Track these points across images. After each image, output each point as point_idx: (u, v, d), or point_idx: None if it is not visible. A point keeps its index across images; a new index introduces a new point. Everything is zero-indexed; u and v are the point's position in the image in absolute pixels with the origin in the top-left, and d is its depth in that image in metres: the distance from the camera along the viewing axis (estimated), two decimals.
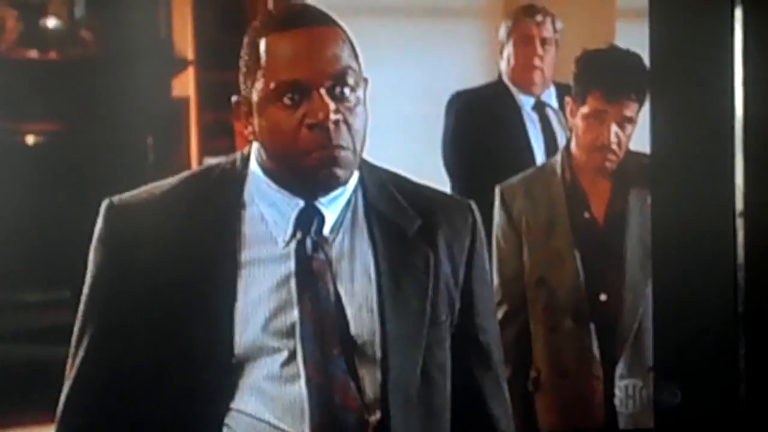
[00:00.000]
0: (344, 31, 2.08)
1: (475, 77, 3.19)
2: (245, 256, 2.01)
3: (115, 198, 2.09)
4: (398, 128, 2.91)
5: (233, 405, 2.03)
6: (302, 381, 1.98)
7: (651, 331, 2.86)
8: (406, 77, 2.99)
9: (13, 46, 2.72)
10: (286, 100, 1.97)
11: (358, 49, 2.07)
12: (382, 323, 2.04)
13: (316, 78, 1.98)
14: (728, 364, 2.87)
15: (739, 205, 2.88)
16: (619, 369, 2.88)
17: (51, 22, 2.76)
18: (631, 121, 2.87)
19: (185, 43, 2.85)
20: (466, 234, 2.16)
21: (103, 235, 2.04)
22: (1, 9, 2.71)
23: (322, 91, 1.98)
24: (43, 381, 2.47)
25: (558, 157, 2.93)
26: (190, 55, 2.86)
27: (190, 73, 2.87)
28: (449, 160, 3.25)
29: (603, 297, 2.86)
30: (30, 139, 2.77)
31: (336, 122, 1.98)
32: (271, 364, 2.00)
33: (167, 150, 2.81)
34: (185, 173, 2.14)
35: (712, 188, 2.88)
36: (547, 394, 2.86)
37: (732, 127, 2.87)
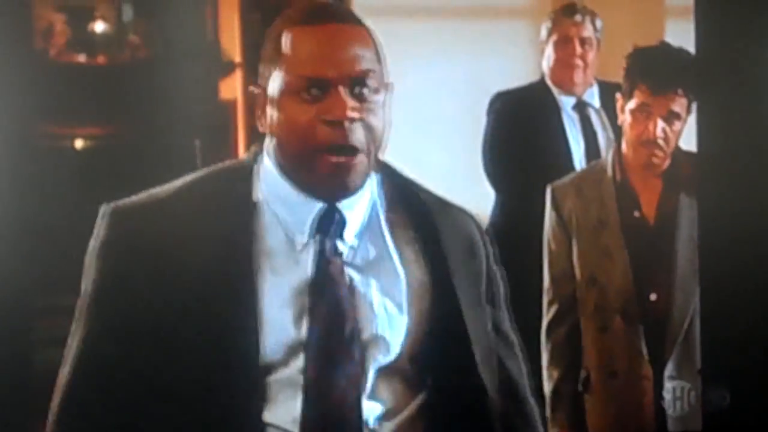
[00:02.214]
0: (370, 32, 2.05)
1: (519, 77, 3.19)
2: (263, 259, 1.98)
3: (118, 203, 2.05)
4: (440, 128, 2.91)
5: (265, 417, 2.01)
6: (301, 386, 1.97)
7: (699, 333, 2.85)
8: (449, 77, 2.99)
9: (62, 51, 2.74)
10: (305, 95, 1.94)
11: (383, 52, 2.05)
12: (433, 314, 2.03)
13: (337, 75, 1.95)
14: None
15: None
16: (668, 370, 2.85)
17: (99, 27, 2.77)
18: (678, 116, 2.85)
19: (233, 45, 2.86)
20: (478, 235, 2.15)
21: (109, 240, 1.99)
22: (50, 14, 2.72)
23: (342, 88, 1.95)
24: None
25: (609, 156, 2.92)
26: (237, 57, 2.88)
27: (238, 75, 2.88)
28: (488, 160, 3.25)
29: (653, 297, 2.84)
30: (79, 143, 2.78)
31: (352, 120, 1.95)
32: (292, 370, 1.98)
33: (215, 152, 2.82)
34: (188, 176, 2.10)
35: (759, 187, 2.87)
36: (597, 395, 2.83)
37: None
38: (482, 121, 3.16)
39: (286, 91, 1.94)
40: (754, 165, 2.78)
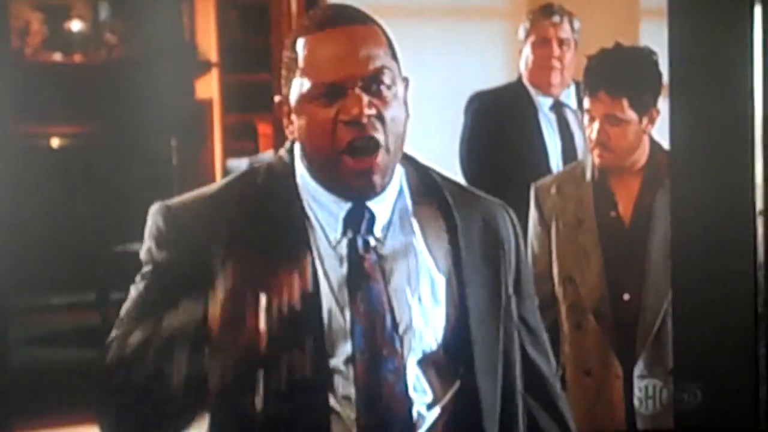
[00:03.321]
0: (382, 29, 2.08)
1: (496, 77, 3.20)
2: (314, 254, 2.03)
3: (167, 201, 2.09)
4: (418, 128, 2.91)
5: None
6: (351, 378, 2.00)
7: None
8: (426, 77, 2.99)
9: (38, 50, 2.73)
10: (324, 99, 1.99)
11: (397, 47, 2.07)
12: (463, 303, 2.05)
13: (351, 77, 1.99)
14: (748, 364, 2.87)
15: (759, 203, 2.87)
16: (639, 369, 2.88)
17: (75, 25, 2.76)
18: (618, 119, 2.88)
19: (209, 45, 2.86)
20: (509, 226, 2.18)
21: (163, 236, 2.03)
22: (26, 12, 2.72)
23: (357, 89, 1.99)
24: (71, 383, 2.49)
25: (587, 156, 2.95)
26: (213, 57, 2.87)
27: (214, 75, 2.87)
28: (464, 160, 3.26)
29: (626, 297, 2.86)
30: (55, 142, 2.77)
31: (370, 117, 1.99)
32: (342, 359, 2.02)
33: (191, 152, 2.82)
34: (229, 177, 2.14)
35: (731, 187, 2.88)
36: (571, 392, 2.86)
37: (752, 125, 2.86)
38: (460, 121, 3.16)
39: (306, 98, 2.00)
40: (727, 164, 2.80)
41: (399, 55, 2.07)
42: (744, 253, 2.88)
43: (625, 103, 2.87)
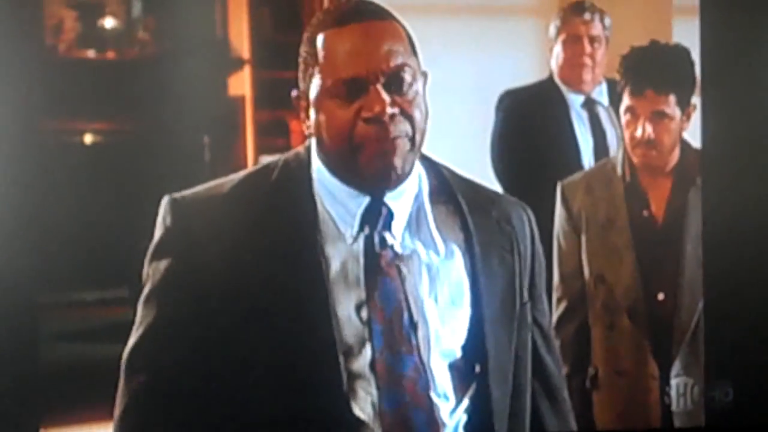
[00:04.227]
0: (402, 25, 2.07)
1: (527, 75, 3.19)
2: (327, 252, 2.02)
3: (176, 194, 2.09)
4: (449, 126, 2.91)
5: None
6: (372, 380, 1.99)
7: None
8: (458, 75, 2.99)
9: (72, 47, 2.74)
10: (344, 96, 1.98)
11: (416, 42, 2.06)
12: (477, 306, 2.05)
13: (372, 74, 1.98)
14: None
15: None
16: (675, 368, 2.87)
17: (109, 23, 2.77)
18: (666, 115, 2.87)
19: (241, 42, 2.85)
20: (527, 227, 2.17)
21: (172, 231, 2.03)
22: (60, 9, 2.72)
23: (378, 86, 1.98)
24: (102, 379, 2.48)
25: (618, 155, 2.93)
26: (246, 54, 2.87)
27: (246, 72, 2.87)
28: (496, 158, 3.25)
29: (660, 296, 2.85)
30: (88, 139, 2.78)
31: (392, 116, 1.98)
32: (361, 361, 2.00)
33: (223, 149, 2.82)
34: (244, 172, 2.14)
35: (763, 185, 2.87)
36: (604, 392, 2.85)
37: None
38: (491, 119, 3.16)
39: (325, 94, 1.98)
40: (759, 163, 2.79)
41: (418, 50, 2.07)
42: None
43: (672, 99, 2.86)
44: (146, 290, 2.06)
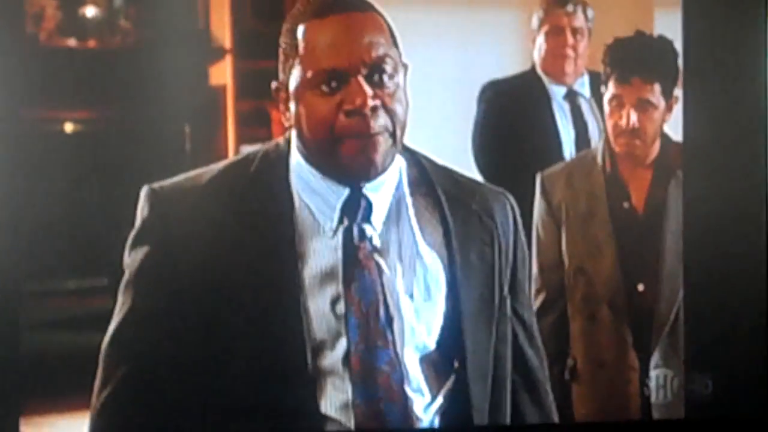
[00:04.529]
0: (383, 17, 2.07)
1: (510, 66, 3.19)
2: (301, 245, 2.01)
3: (155, 185, 2.09)
4: (431, 117, 2.91)
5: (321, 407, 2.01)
6: (346, 374, 1.99)
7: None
8: (440, 66, 2.99)
9: (53, 35, 2.73)
10: (324, 88, 1.97)
11: (397, 33, 2.06)
12: (455, 301, 2.04)
13: (354, 65, 1.97)
14: (760, 355, 2.86)
15: None
16: (655, 360, 2.88)
17: (90, 11, 2.76)
18: (651, 104, 2.88)
19: (223, 32, 2.85)
20: (510, 217, 2.17)
21: (149, 221, 2.03)
22: None
23: (360, 78, 1.98)
24: (84, 368, 2.48)
25: (599, 146, 2.94)
26: (227, 44, 2.86)
27: (228, 62, 2.86)
28: (477, 149, 3.25)
29: (641, 287, 2.86)
30: (68, 128, 2.77)
31: (374, 108, 1.97)
32: (334, 356, 2.00)
33: (204, 138, 2.81)
34: (225, 161, 2.14)
35: (744, 177, 2.88)
36: (583, 384, 2.86)
37: (765, 115, 2.86)
38: (473, 110, 3.16)
39: (306, 85, 1.98)
40: (740, 155, 2.79)
41: (400, 42, 2.06)
42: (757, 243, 2.88)
43: (657, 88, 2.87)
44: (124, 279, 2.06)
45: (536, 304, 2.85)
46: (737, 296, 2.87)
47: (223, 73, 2.85)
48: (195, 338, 1.98)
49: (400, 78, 2.03)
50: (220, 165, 2.13)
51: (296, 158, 2.06)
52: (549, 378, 2.29)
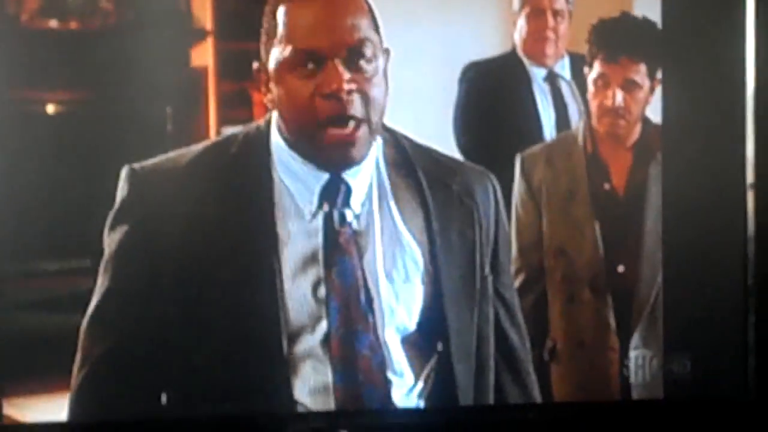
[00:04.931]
0: (365, 0, 2.07)
1: (491, 48, 3.19)
2: (281, 228, 2.01)
3: (136, 165, 2.09)
4: (413, 98, 2.91)
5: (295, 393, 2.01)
6: (327, 358, 1.99)
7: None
8: (421, 48, 2.99)
9: (34, 16, 2.72)
10: (302, 69, 1.97)
11: (379, 17, 2.05)
12: (436, 282, 2.05)
13: (332, 48, 1.97)
14: (738, 335, 2.88)
15: (750, 177, 2.88)
16: (634, 341, 2.89)
17: None
18: (637, 84, 2.89)
19: (204, 13, 2.84)
20: (491, 196, 2.18)
21: (129, 200, 2.03)
22: None
23: (337, 61, 1.98)
24: (64, 349, 2.48)
25: (580, 127, 2.95)
26: (208, 25, 2.85)
27: (209, 43, 2.86)
28: (458, 129, 3.25)
29: (621, 268, 2.87)
30: (50, 109, 2.76)
31: (350, 92, 1.97)
32: (314, 339, 2.00)
33: (186, 119, 2.80)
34: (205, 142, 2.14)
35: (722, 160, 2.89)
36: (563, 364, 2.87)
37: (743, 99, 2.87)
38: (454, 90, 3.16)
39: (285, 66, 1.98)
40: (718, 138, 2.80)
41: (381, 26, 2.06)
42: (735, 225, 2.89)
43: (643, 68, 2.88)
44: (103, 259, 2.07)
45: (515, 284, 2.85)
46: (716, 277, 2.88)
47: (204, 55, 2.85)
48: (173, 318, 1.98)
49: (379, 63, 2.03)
50: (201, 146, 2.13)
51: (276, 140, 2.06)
52: (525, 355, 2.30)
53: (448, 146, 3.16)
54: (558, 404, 2.84)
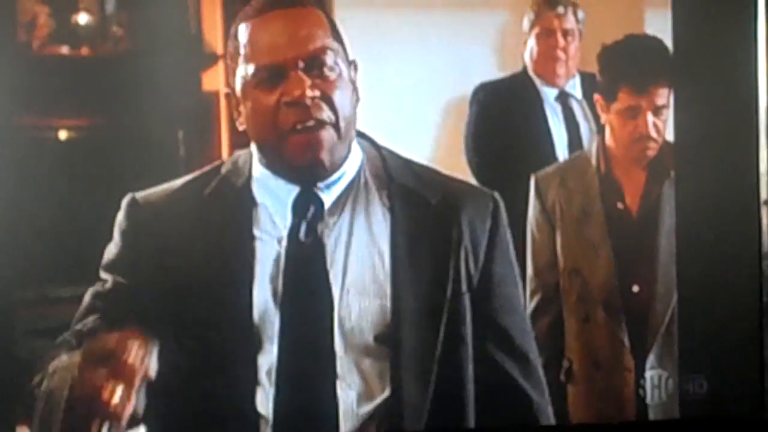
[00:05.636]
0: (323, 11, 2.09)
1: (501, 69, 3.20)
2: (263, 244, 2.03)
3: (139, 194, 2.10)
4: (423, 118, 2.91)
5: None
6: (283, 369, 2.00)
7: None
8: (431, 68, 2.99)
9: (45, 43, 2.73)
10: (266, 83, 1.99)
11: (341, 30, 2.07)
12: (395, 297, 2.05)
13: (291, 59, 2.00)
14: (754, 354, 2.87)
15: (764, 193, 2.88)
16: (650, 361, 2.88)
17: (82, 18, 2.76)
18: (665, 106, 2.89)
19: (215, 37, 2.85)
20: (487, 216, 2.18)
21: (126, 228, 2.05)
22: (33, 5, 2.71)
23: (298, 71, 1.99)
24: None
25: (593, 147, 2.94)
26: (219, 49, 2.86)
27: (220, 67, 2.87)
28: (470, 151, 3.26)
29: (635, 288, 2.87)
30: (62, 135, 2.77)
31: (313, 98, 1.99)
32: (273, 351, 2.02)
33: (198, 144, 2.81)
34: (203, 169, 2.15)
35: (736, 177, 2.89)
36: (579, 385, 2.86)
37: (756, 115, 2.87)
38: (465, 111, 3.16)
39: (250, 83, 2.00)
40: (731, 155, 2.80)
41: (344, 37, 2.07)
42: (749, 242, 2.89)
43: (667, 90, 2.88)
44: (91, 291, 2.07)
45: (531, 305, 2.85)
46: (731, 296, 2.88)
47: (216, 79, 2.86)
48: (156, 332, 2.00)
49: (343, 71, 2.04)
50: (200, 170, 2.16)
51: (255, 160, 2.08)
52: (531, 384, 2.28)
53: (459, 167, 3.16)
54: (574, 426, 2.84)
